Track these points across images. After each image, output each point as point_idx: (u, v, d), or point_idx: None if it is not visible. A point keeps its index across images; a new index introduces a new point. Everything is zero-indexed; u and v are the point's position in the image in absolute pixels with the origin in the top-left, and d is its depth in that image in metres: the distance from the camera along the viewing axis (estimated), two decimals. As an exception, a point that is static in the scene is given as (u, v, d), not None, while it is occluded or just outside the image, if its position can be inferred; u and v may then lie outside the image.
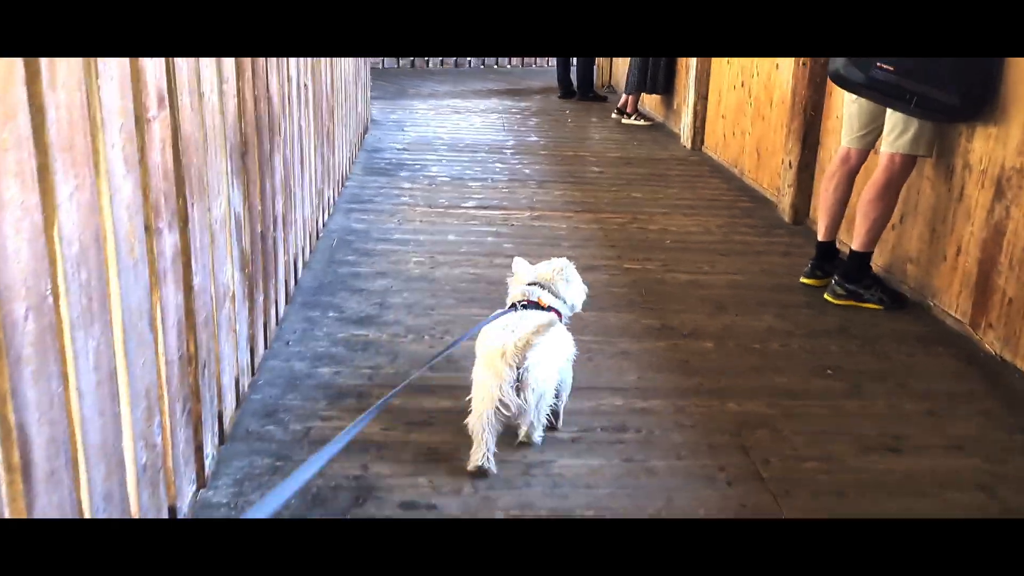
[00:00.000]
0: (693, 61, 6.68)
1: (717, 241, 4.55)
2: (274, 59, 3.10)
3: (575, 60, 9.06)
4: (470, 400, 2.35)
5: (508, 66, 11.37)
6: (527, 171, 5.93)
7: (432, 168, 5.85)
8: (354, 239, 4.30)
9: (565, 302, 2.60)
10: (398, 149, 6.36)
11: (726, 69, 6.28)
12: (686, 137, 6.88)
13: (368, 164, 5.86)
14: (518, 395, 2.27)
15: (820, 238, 3.95)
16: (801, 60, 4.78)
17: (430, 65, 10.92)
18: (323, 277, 3.79)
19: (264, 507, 1.27)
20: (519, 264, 2.69)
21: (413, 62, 10.83)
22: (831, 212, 3.89)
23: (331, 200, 4.63)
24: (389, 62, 10.69)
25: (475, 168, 5.91)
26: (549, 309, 2.49)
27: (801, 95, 4.79)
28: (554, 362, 2.36)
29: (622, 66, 9.43)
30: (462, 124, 7.46)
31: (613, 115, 7.97)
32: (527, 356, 2.23)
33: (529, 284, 2.57)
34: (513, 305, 2.50)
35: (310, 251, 3.97)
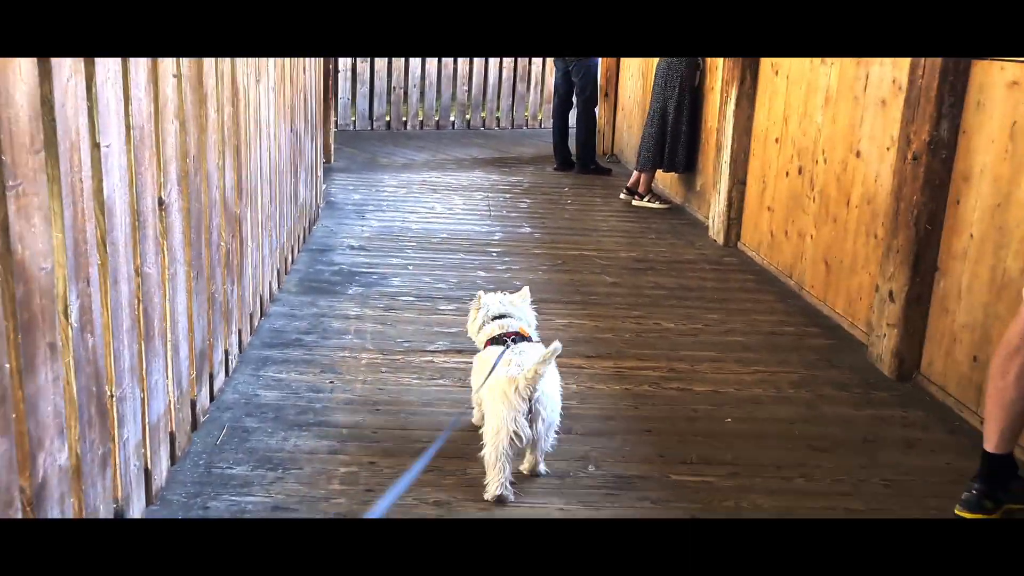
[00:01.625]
0: (727, 138, 5.24)
1: (800, 417, 3.04)
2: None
3: (574, 126, 7.63)
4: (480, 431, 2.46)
5: (496, 129, 9.94)
6: (518, 282, 4.41)
7: (393, 280, 4.32)
8: (255, 426, 2.75)
9: (530, 326, 2.76)
10: (353, 248, 4.84)
11: (773, 150, 4.83)
12: (717, 229, 5.41)
13: (308, 274, 4.33)
14: (531, 426, 2.39)
15: (990, 448, 2.43)
16: (911, 151, 3.32)
17: (408, 128, 9.48)
18: (188, 508, 2.25)
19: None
20: (487, 297, 2.79)
21: (389, 123, 9.39)
22: (1011, 410, 2.38)
23: (227, 355, 3.08)
24: (361, 123, 9.23)
25: (450, 279, 4.39)
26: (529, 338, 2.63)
27: (911, 200, 3.32)
28: (558, 390, 2.51)
29: (627, 134, 7.99)
30: (438, 208, 5.97)
31: (622, 195, 6.50)
32: (537, 387, 2.36)
33: (498, 317, 2.70)
34: (501, 340, 2.57)
35: (170, 456, 2.42)
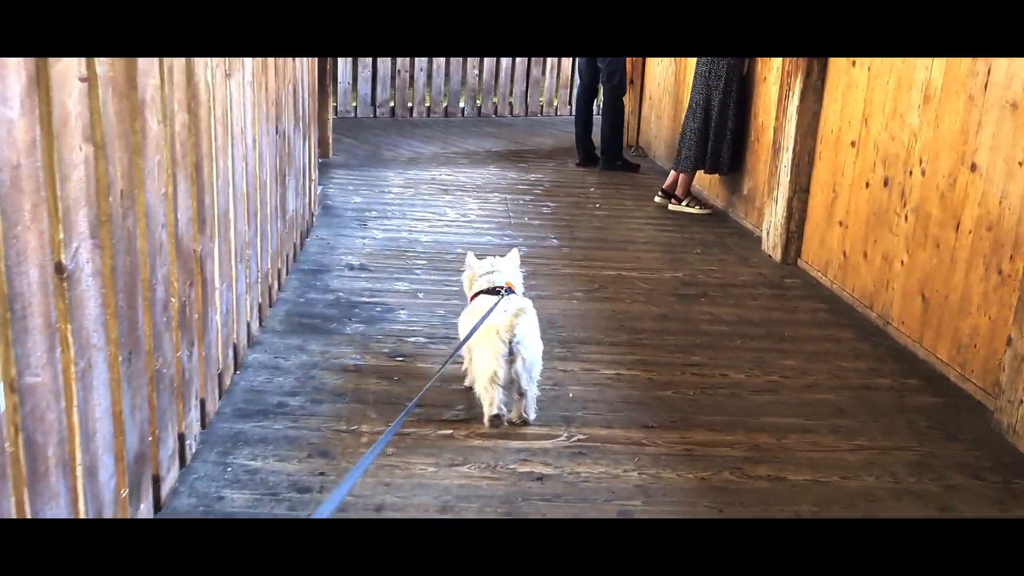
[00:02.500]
0: (788, 138, 4.46)
1: (927, 507, 2.31)
2: None
3: (599, 116, 6.84)
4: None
5: (509, 116, 9.14)
6: (551, 313, 3.67)
7: (400, 313, 3.57)
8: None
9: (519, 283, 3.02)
10: (352, 268, 4.08)
11: (848, 155, 4.06)
12: (773, 243, 4.65)
13: (298, 305, 3.58)
14: (510, 367, 2.60)
15: None
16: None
17: (414, 115, 8.68)
18: None
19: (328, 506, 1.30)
20: (472, 258, 3.10)
21: (393, 110, 8.59)
22: None
23: (182, 442, 2.34)
24: (363, 110, 8.43)
25: (469, 309, 3.65)
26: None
27: (1068, 236, 2.57)
28: (537, 335, 2.72)
29: (655, 125, 7.20)
30: (450, 214, 5.20)
31: (657, 198, 5.73)
32: (515, 332, 2.58)
33: (488, 273, 2.93)
34: (496, 291, 2.80)
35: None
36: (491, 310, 2.59)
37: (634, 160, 6.87)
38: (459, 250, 4.44)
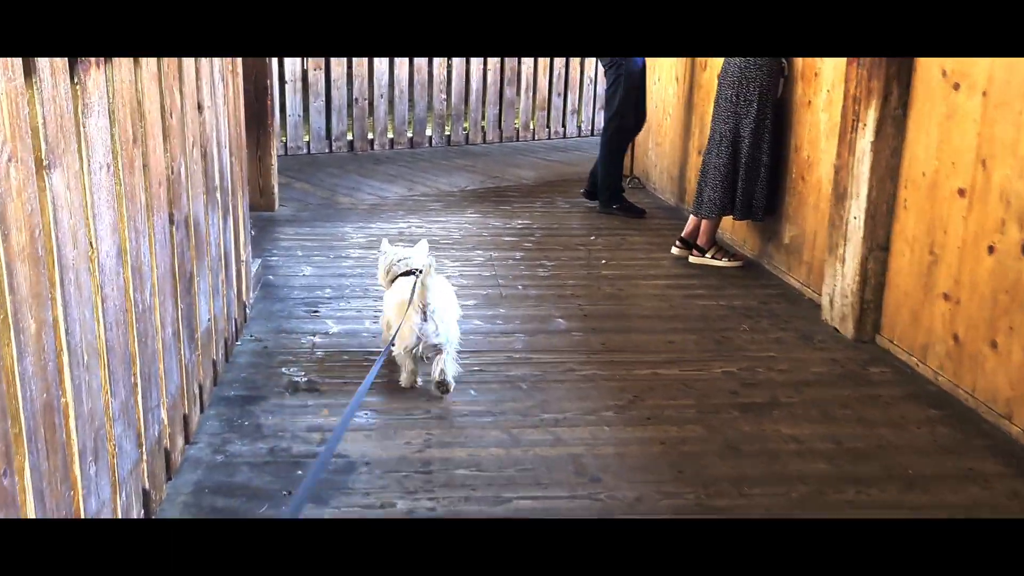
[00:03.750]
0: (859, 182, 3.40)
1: None
2: None
3: (598, 145, 5.72)
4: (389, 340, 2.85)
5: (481, 144, 8.03)
6: (574, 451, 2.56)
7: (362, 474, 2.44)
8: None
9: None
10: (295, 391, 2.93)
11: (955, 207, 3.00)
12: (839, 314, 3.59)
13: (213, 470, 2.41)
14: (420, 328, 2.81)
15: None
16: None
17: (375, 147, 7.53)
18: None
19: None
20: (387, 244, 3.30)
21: (351, 144, 7.44)
22: None
23: None
24: (317, 145, 7.25)
25: (469, 463, 2.53)
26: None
27: None
28: (451, 301, 3.02)
29: (653, 153, 6.12)
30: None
31: (675, 249, 4.65)
32: (428, 299, 2.81)
33: (403, 259, 3.17)
34: (411, 272, 3.04)
35: None
36: (415, 287, 2.84)
37: (639, 206, 5.66)
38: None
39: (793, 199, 4.18)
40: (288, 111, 7.06)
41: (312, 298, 3.82)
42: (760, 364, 3.27)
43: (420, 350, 2.86)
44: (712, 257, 4.49)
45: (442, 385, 2.86)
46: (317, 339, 3.36)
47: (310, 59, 7.07)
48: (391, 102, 7.60)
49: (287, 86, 7.00)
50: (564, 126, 8.54)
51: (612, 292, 4.08)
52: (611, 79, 5.33)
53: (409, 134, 7.75)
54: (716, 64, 4.86)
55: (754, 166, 4.25)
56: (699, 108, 5.32)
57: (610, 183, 5.53)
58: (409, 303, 2.80)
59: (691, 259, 4.54)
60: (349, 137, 7.46)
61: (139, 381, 2.03)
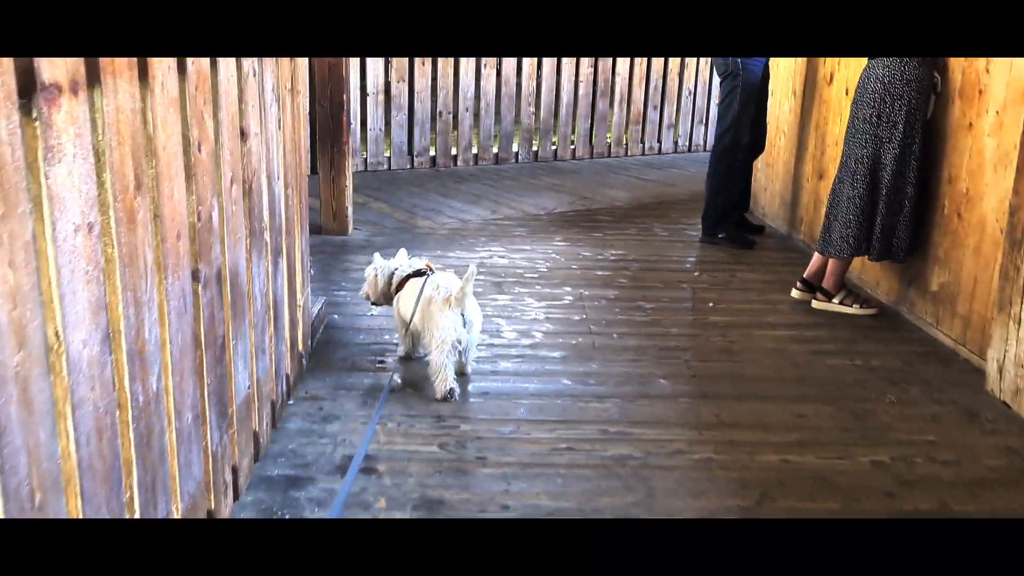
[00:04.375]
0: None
1: None
2: None
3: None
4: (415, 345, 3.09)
5: (571, 160, 7.50)
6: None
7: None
8: None
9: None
10: (361, 472, 2.46)
11: None
12: (1011, 386, 2.90)
13: None
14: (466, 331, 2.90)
15: None
16: None
17: (459, 163, 7.07)
18: None
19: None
20: (379, 258, 3.30)
21: (434, 159, 7.01)
22: None
23: None
24: (398, 160, 6.83)
25: None
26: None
27: None
28: (478, 305, 3.03)
29: (762, 175, 5.47)
30: (506, 331, 3.52)
31: (795, 292, 4.01)
32: (465, 303, 2.87)
33: (398, 267, 3.20)
34: (420, 273, 3.09)
35: None
36: (423, 286, 2.97)
37: (750, 236, 4.98)
38: (526, 416, 2.79)
39: (945, 239, 3.51)
40: (369, 125, 6.67)
41: (379, 344, 3.34)
42: (916, 452, 2.63)
43: (456, 353, 2.91)
44: (841, 303, 3.84)
45: (462, 375, 3.02)
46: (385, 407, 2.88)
47: (394, 70, 6.66)
48: (476, 115, 7.15)
49: (368, 99, 6.61)
50: (659, 141, 7.94)
51: (723, 344, 3.48)
52: (726, 90, 4.72)
53: (494, 149, 7.28)
54: (846, 78, 4.21)
55: (896, 199, 3.59)
56: (821, 127, 4.66)
57: (716, 207, 4.92)
58: (445, 305, 2.86)
59: (815, 304, 3.90)
60: (432, 152, 7.02)
61: (136, 494, 1.57)
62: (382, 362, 3.19)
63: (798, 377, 3.18)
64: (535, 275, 4.29)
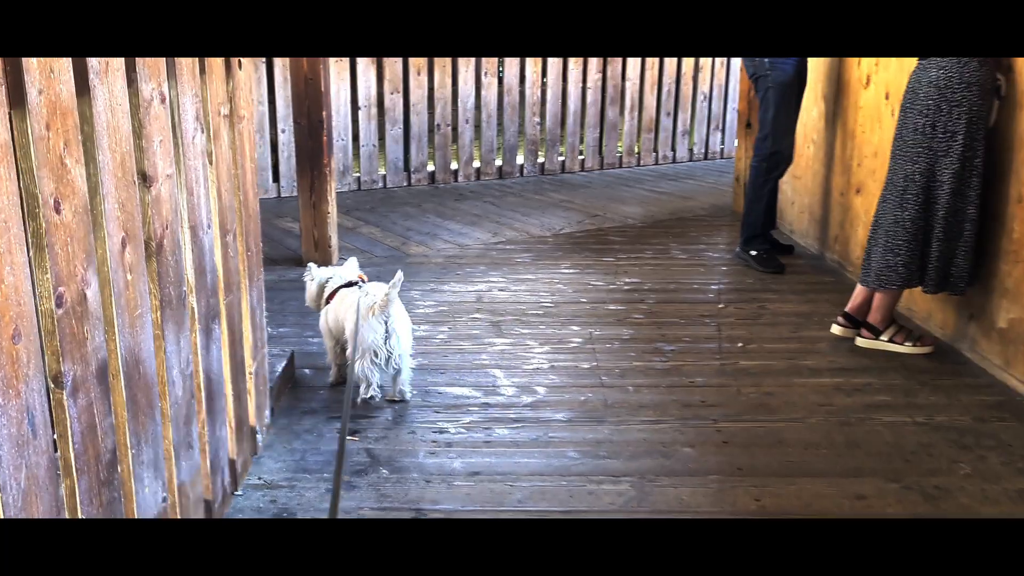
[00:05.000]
0: None
1: None
2: None
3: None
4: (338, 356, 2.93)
5: (580, 173, 6.98)
6: None
7: None
8: None
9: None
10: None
11: None
12: (1112, 453, 2.39)
13: None
14: (386, 343, 2.73)
15: None
16: None
17: (459, 179, 6.57)
18: None
19: None
20: (314, 267, 3.09)
21: (433, 175, 6.50)
22: None
23: None
24: (394, 177, 6.32)
25: None
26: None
27: None
28: (407, 315, 2.87)
29: (789, 188, 4.92)
30: (505, 386, 2.98)
31: (836, 328, 3.47)
32: (389, 311, 2.72)
33: (331, 278, 3.01)
34: (350, 284, 2.95)
35: None
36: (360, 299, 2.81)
37: (779, 260, 4.40)
38: (521, 499, 2.26)
39: (1015, 268, 2.96)
40: (362, 140, 6.18)
41: (355, 408, 2.83)
42: (1010, 550, 2.09)
43: (383, 363, 2.77)
44: (890, 340, 3.30)
45: (399, 397, 2.86)
46: (351, 498, 2.36)
47: (387, 81, 6.16)
48: (478, 127, 6.64)
49: (360, 112, 6.12)
50: (674, 149, 7.41)
51: (758, 398, 2.94)
52: (760, 93, 4.22)
53: (498, 163, 6.77)
54: (886, 80, 3.67)
55: (956, 221, 3.05)
56: (857, 136, 4.12)
57: (752, 221, 4.40)
58: (368, 313, 2.72)
59: (859, 342, 3.36)
60: (430, 168, 6.52)
61: None
62: (356, 432, 2.68)
63: (850, 442, 2.64)
64: (539, 312, 3.77)
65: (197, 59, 1.93)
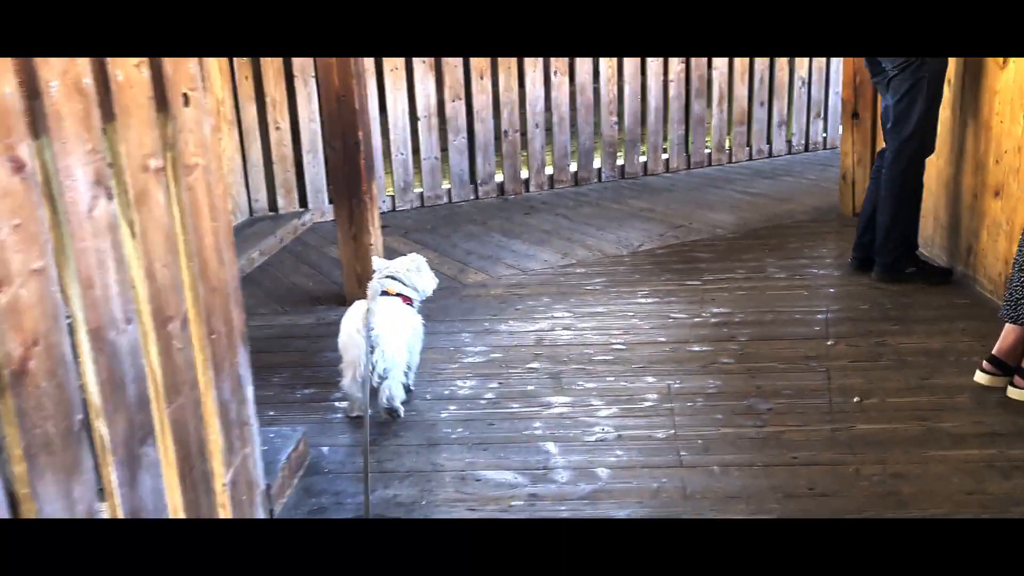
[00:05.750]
0: None
1: None
2: None
3: (880, 186, 3.76)
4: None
5: (664, 174, 6.29)
6: None
7: None
8: None
9: (416, 289, 2.93)
10: None
11: None
12: None
13: None
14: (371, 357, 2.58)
15: None
16: None
17: (531, 188, 5.97)
18: None
19: None
20: (377, 261, 2.99)
21: (502, 187, 5.94)
22: None
23: None
24: (459, 191, 5.77)
25: None
26: (398, 295, 2.84)
27: None
28: (400, 333, 2.73)
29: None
30: (561, 468, 2.39)
31: (981, 375, 2.72)
32: (371, 324, 2.54)
33: (384, 277, 2.86)
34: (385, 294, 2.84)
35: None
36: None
37: (939, 266, 3.74)
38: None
39: None
40: (423, 154, 5.67)
41: (378, 497, 2.30)
42: None
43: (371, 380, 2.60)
44: (1055, 393, 2.55)
45: (391, 412, 2.73)
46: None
47: (447, 88, 5.64)
48: (549, 131, 6.04)
49: (420, 123, 5.62)
50: (769, 142, 6.62)
51: (884, 482, 2.25)
52: (905, 85, 3.44)
53: (572, 168, 6.16)
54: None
55: None
56: (993, 126, 3.34)
57: (905, 234, 3.67)
58: (353, 329, 2.65)
59: (1012, 392, 2.62)
60: (498, 179, 5.96)
61: None
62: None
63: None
64: (608, 357, 3.15)
65: (95, 106, 1.42)
